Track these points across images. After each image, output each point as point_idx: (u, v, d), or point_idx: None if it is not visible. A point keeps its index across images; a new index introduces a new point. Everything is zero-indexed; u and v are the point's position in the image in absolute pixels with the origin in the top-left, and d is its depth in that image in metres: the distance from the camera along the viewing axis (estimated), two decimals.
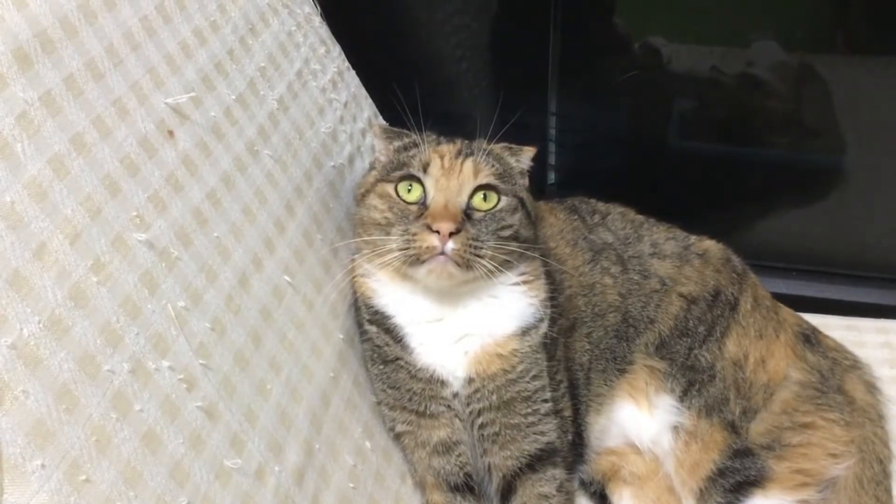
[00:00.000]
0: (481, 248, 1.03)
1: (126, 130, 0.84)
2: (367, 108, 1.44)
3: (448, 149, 1.10)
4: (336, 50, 1.40)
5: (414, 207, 1.06)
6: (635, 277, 1.23)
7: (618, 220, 1.29)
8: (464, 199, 1.06)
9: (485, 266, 1.03)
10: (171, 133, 0.91)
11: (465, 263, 1.02)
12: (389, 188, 1.08)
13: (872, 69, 1.69)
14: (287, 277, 1.03)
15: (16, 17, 0.75)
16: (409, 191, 1.07)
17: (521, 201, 1.11)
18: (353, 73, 1.43)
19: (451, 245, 1.00)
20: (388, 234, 1.05)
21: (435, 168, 1.07)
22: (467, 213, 1.05)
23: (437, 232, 1.00)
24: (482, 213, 1.06)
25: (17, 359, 0.65)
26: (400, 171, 1.08)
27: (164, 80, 0.93)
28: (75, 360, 0.70)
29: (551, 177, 1.93)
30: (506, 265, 1.06)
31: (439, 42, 1.81)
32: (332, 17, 1.42)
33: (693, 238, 1.29)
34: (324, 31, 1.39)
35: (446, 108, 1.80)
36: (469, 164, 1.07)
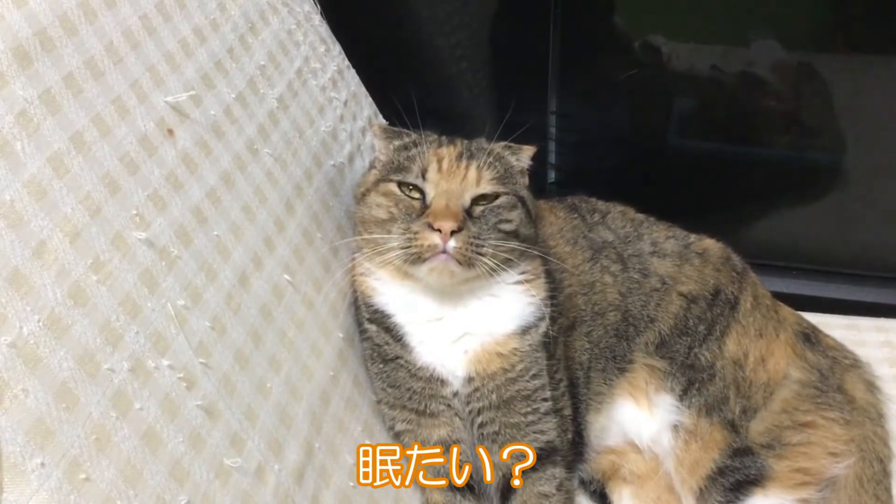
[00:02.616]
0: (482, 245, 1.03)
1: (126, 129, 0.84)
2: (367, 106, 1.44)
3: (448, 151, 1.10)
4: (336, 48, 1.40)
5: (416, 204, 1.06)
6: (635, 276, 1.23)
7: (618, 218, 1.29)
8: (465, 201, 1.06)
9: (486, 264, 1.03)
10: (170, 132, 0.91)
11: (466, 261, 1.02)
12: (392, 186, 1.09)
13: (872, 68, 1.69)
14: (287, 276, 1.03)
15: (15, 15, 0.75)
16: (410, 191, 1.08)
17: (522, 200, 1.11)
18: (353, 71, 1.43)
19: (452, 243, 1.01)
20: (389, 232, 1.05)
21: (433, 173, 1.07)
22: (468, 211, 1.06)
23: (439, 230, 1.01)
24: (482, 209, 1.07)
25: (16, 357, 0.65)
26: (399, 176, 1.09)
27: (164, 79, 0.93)
28: (75, 359, 0.70)
29: (551, 175, 1.93)
30: (507, 263, 1.06)
31: (439, 41, 1.81)
32: (332, 16, 1.41)
33: (693, 237, 1.29)
34: (324, 29, 1.38)
35: (446, 107, 1.80)
36: (472, 169, 1.08)
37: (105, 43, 0.85)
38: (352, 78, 1.42)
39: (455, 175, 1.07)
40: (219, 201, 0.95)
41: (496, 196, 1.08)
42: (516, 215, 1.09)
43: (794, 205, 1.82)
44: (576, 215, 1.29)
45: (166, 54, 0.95)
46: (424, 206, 1.05)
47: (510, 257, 1.07)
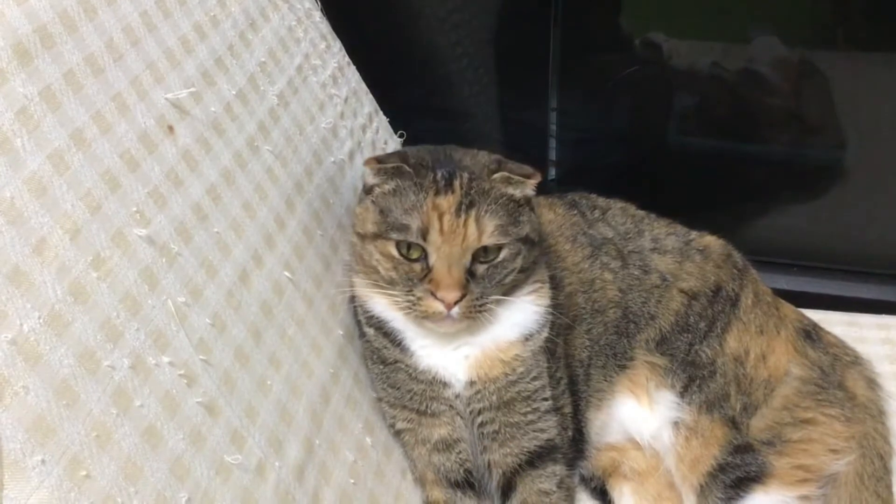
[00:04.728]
0: (486, 303, 1.03)
1: (126, 126, 0.84)
2: (367, 103, 1.43)
3: (447, 202, 1.01)
4: (336, 45, 1.40)
5: (417, 267, 1.02)
6: (635, 272, 1.22)
7: (618, 214, 1.29)
8: (467, 260, 1.02)
9: (490, 311, 1.04)
10: (171, 128, 0.91)
11: (470, 319, 1.03)
12: (391, 247, 1.03)
13: (874, 65, 1.69)
14: (287, 273, 1.03)
15: (15, 11, 0.75)
16: (409, 251, 1.03)
17: (524, 239, 1.06)
18: (353, 68, 1.43)
19: (456, 310, 1.01)
20: (391, 285, 1.05)
21: (434, 234, 1.01)
22: (470, 270, 1.02)
23: (442, 300, 1.01)
24: (485, 267, 1.03)
25: (17, 354, 0.65)
26: (398, 235, 1.02)
27: (165, 76, 0.93)
28: (75, 356, 0.70)
29: (552, 173, 1.92)
30: (511, 293, 1.07)
31: (440, 38, 1.81)
32: (333, 13, 1.41)
33: (694, 233, 1.29)
34: (324, 26, 1.38)
35: (446, 105, 1.79)
36: (472, 223, 1.01)
37: (105, 40, 0.85)
38: (352, 75, 1.42)
39: (456, 235, 1.01)
40: (219, 198, 0.95)
41: (499, 249, 1.04)
42: (520, 260, 1.06)
43: (795, 202, 1.82)
44: (575, 212, 1.28)
45: (167, 51, 0.95)
46: (426, 268, 1.02)
47: (514, 290, 1.08)
